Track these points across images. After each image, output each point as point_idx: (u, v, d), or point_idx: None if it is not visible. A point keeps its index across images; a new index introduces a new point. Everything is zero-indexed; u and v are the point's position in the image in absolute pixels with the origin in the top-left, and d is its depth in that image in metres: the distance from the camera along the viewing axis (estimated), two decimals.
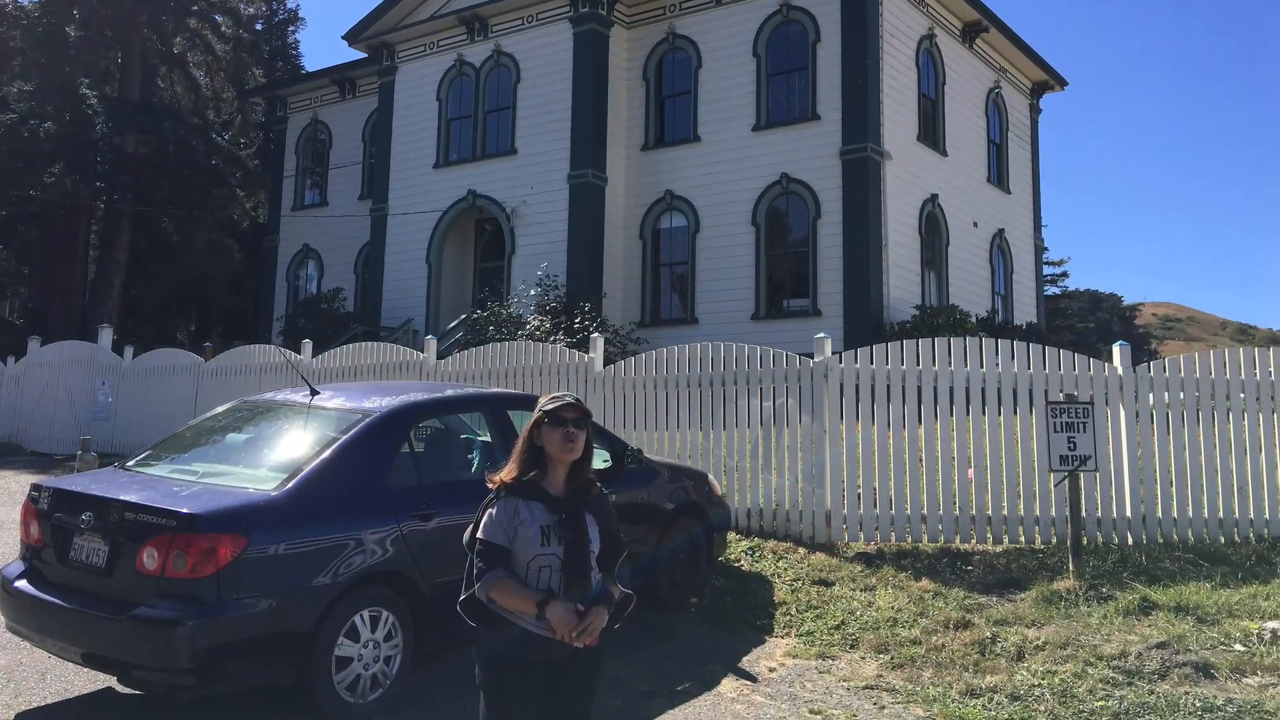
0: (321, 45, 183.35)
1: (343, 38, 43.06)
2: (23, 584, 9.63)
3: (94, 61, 50.45)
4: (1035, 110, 46.63)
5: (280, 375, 24.38)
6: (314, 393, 11.26)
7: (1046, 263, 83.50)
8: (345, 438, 10.09)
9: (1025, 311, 43.60)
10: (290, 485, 9.46)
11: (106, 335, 32.36)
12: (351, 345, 24.40)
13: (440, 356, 22.35)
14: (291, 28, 75.00)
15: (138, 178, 49.73)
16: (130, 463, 10.81)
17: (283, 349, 26.78)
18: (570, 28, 37.56)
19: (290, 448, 10.30)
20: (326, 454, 9.86)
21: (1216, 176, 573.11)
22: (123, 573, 8.97)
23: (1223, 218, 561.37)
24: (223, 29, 58.48)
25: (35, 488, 10.11)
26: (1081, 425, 14.03)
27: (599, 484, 6.43)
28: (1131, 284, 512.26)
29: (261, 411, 11.47)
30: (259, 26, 68.71)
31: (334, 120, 48.52)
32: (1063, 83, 47.01)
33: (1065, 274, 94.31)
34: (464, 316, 36.54)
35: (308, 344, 25.42)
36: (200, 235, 50.92)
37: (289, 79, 59.47)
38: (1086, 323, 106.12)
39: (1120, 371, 15.79)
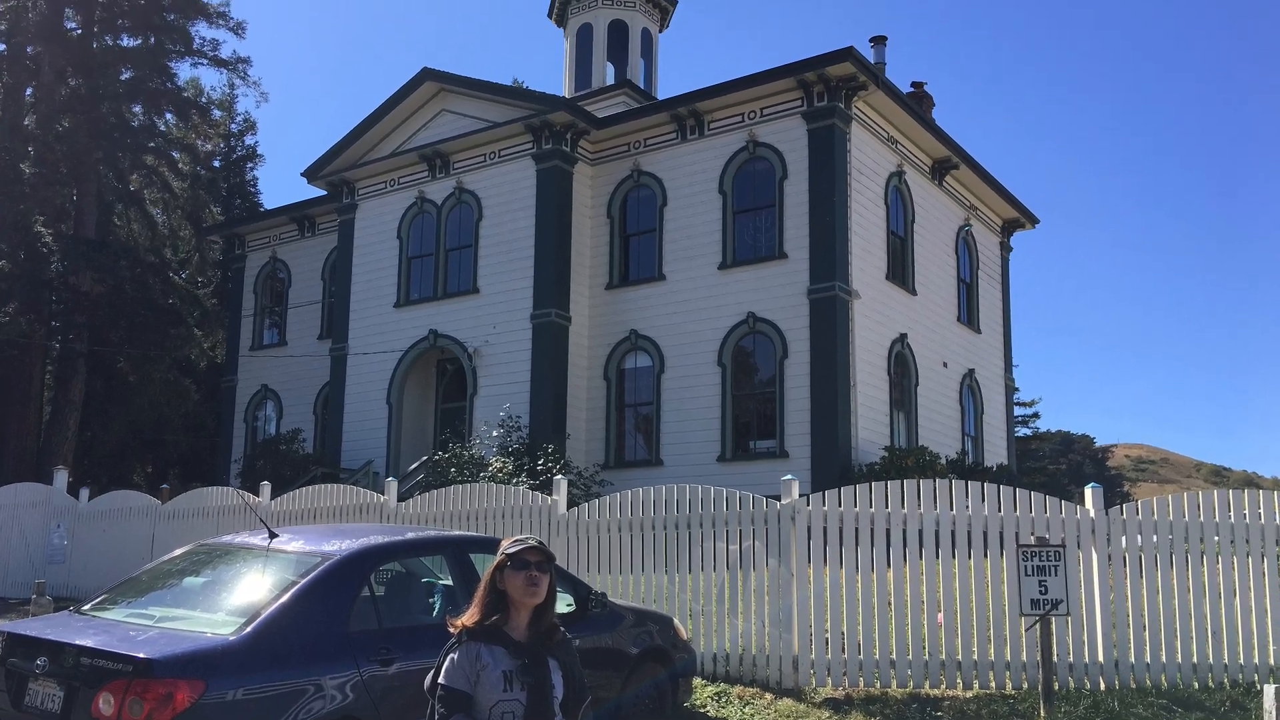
0: (280, 182, 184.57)
1: (302, 174, 43.07)
2: None
3: (49, 199, 50.48)
4: (1006, 248, 46.87)
5: (238, 517, 24.26)
6: (272, 535, 11.10)
7: (1018, 403, 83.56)
8: (304, 581, 9.96)
9: (996, 453, 43.63)
10: (249, 630, 9.30)
11: (61, 477, 31.99)
12: (311, 487, 24.28)
13: (401, 499, 22.24)
14: (250, 165, 75.25)
15: (93, 317, 49.68)
16: (86, 607, 10.67)
17: (241, 491, 26.63)
18: (533, 165, 37.67)
19: (248, 591, 10.18)
20: (285, 598, 9.72)
21: (1190, 317, 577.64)
22: (78, 719, 8.77)
23: (1196, 359, 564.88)
24: (180, 166, 58.81)
25: None
26: (1053, 569, 14.05)
27: (562, 628, 6.40)
28: (1104, 425, 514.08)
29: (219, 554, 11.33)
30: (217, 163, 69.12)
31: (293, 258, 48.52)
32: (1034, 220, 47.26)
33: (1036, 415, 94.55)
34: (425, 458, 36.38)
35: (266, 486, 25.26)
36: (157, 376, 50.58)
37: (247, 216, 59.42)
38: (1058, 464, 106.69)
39: (1092, 514, 15.77)
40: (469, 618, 6.21)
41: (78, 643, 9.10)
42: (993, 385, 44.16)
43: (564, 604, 11.46)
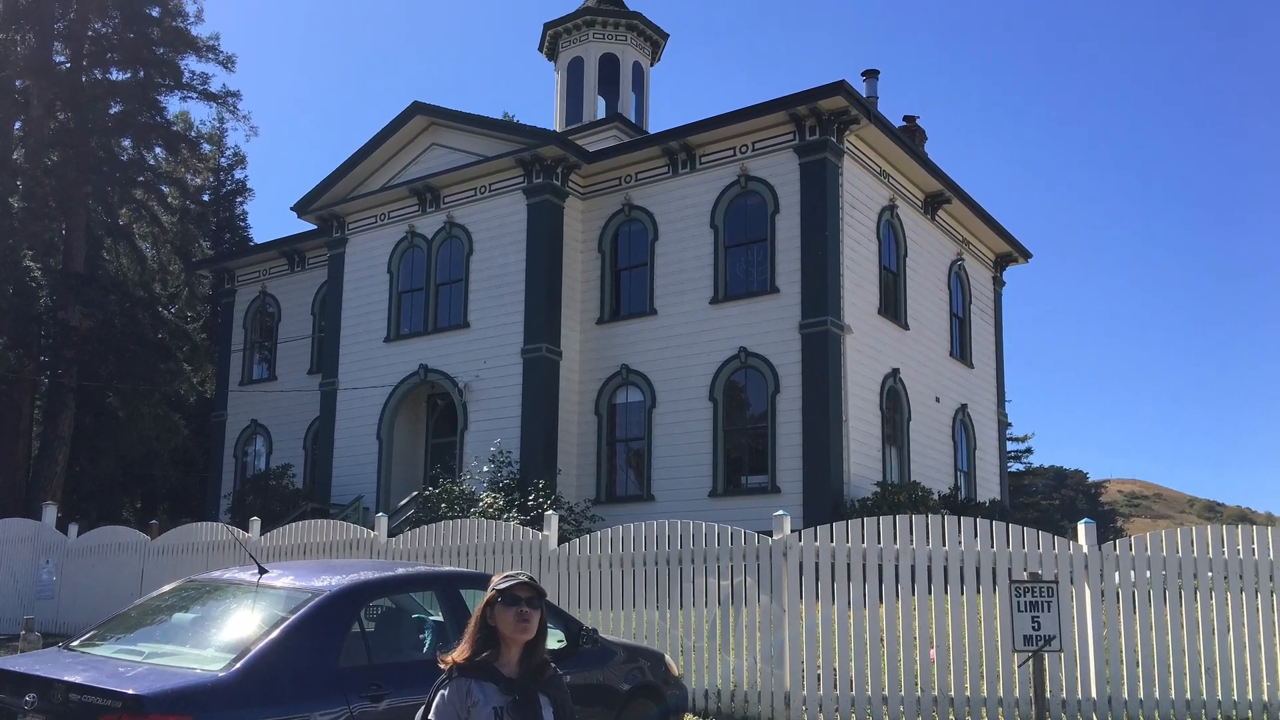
0: (270, 216, 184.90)
1: (292, 209, 43.01)
2: None
3: (38, 233, 50.52)
4: (999, 283, 47.01)
5: (227, 553, 24.25)
6: (262, 571, 11.07)
7: (1010, 439, 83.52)
8: (294, 617, 9.93)
9: (989, 488, 43.66)
10: (239, 665, 9.26)
11: (50, 512, 32.02)
12: (301, 523, 24.35)
13: (392, 534, 22.38)
14: (239, 199, 75.74)
15: (82, 351, 49.73)
16: (75, 643, 10.62)
17: (230, 527, 26.73)
18: (524, 199, 37.80)
19: (238, 627, 10.13)
20: (275, 633, 9.68)
21: (1184, 352, 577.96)
22: None
23: (1190, 394, 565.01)
24: (169, 200, 59.08)
25: None
26: (1046, 605, 13.87)
27: (554, 664, 6.44)
28: (1097, 460, 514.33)
29: (209, 590, 11.29)
30: (206, 197, 69.36)
31: (283, 293, 48.55)
32: (1026, 255, 47.42)
33: (1029, 450, 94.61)
34: (416, 493, 36.48)
35: (255, 521, 25.30)
36: (146, 410, 50.62)
37: (237, 251, 59.85)
38: (1051, 500, 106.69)
39: (1085, 550, 15.88)
40: (460, 654, 6.20)
41: (67, 679, 9.04)
42: (985, 420, 44.25)
43: (555, 640, 11.38)
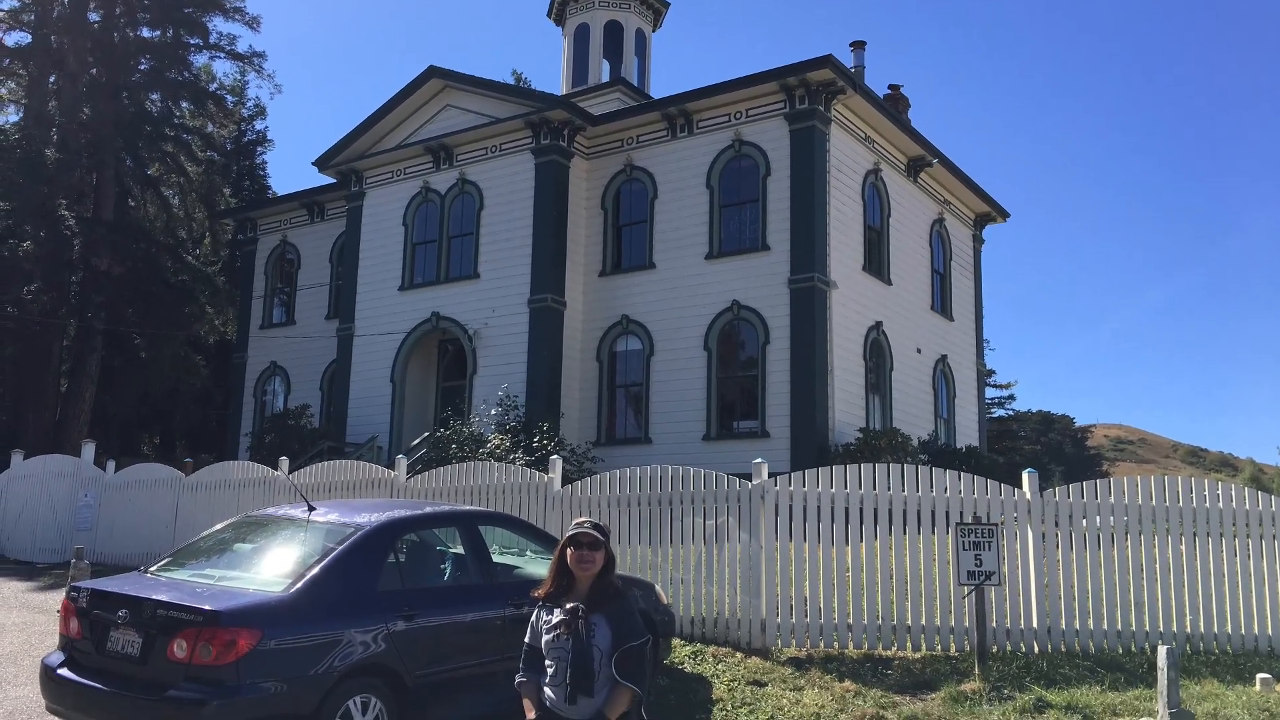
0: (287, 167, 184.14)
1: (313, 164, 43.50)
2: (65, 671, 10.90)
3: (70, 183, 51.20)
4: (978, 240, 47.75)
5: (258, 490, 25.29)
6: (311, 508, 12.62)
7: (993, 385, 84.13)
8: (341, 548, 11.42)
9: (968, 434, 44.54)
10: (296, 588, 10.78)
11: (89, 450, 32.90)
12: (328, 463, 25.22)
13: (409, 474, 23.39)
14: (260, 149, 75.98)
15: (110, 296, 50.53)
16: (153, 568, 12.07)
17: (263, 466, 27.26)
18: (532, 158, 38.75)
19: (293, 556, 11.62)
20: (325, 561, 11.18)
21: (1169, 302, 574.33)
22: (155, 661, 10.22)
23: (1175, 344, 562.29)
24: (195, 151, 59.54)
25: (74, 589, 11.37)
26: (987, 544, 15.31)
27: (619, 590, 7.49)
28: (1084, 407, 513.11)
29: (265, 524, 12.80)
30: (228, 147, 69.50)
31: (302, 242, 49.31)
32: (1004, 214, 48.22)
33: (1012, 397, 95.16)
34: (427, 434, 37.14)
35: (284, 461, 26.10)
36: (169, 352, 51.37)
37: (260, 202, 60.10)
38: (1035, 445, 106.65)
39: (1029, 496, 17.06)
40: (543, 589, 7.52)
41: (154, 597, 10.53)
42: (965, 370, 45.31)
43: None
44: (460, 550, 13.26)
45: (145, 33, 56.57)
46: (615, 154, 39.36)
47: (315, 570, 11.11)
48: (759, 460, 18.10)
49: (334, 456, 33.62)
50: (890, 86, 43.30)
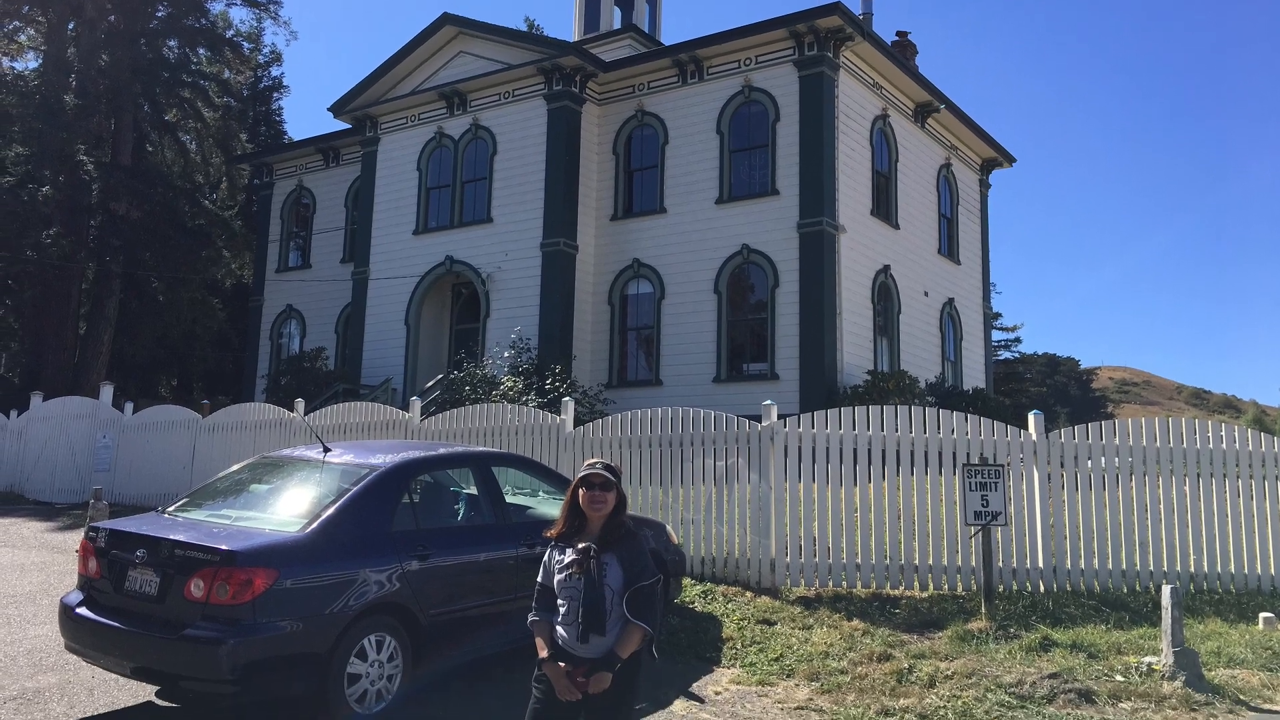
0: (304, 112, 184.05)
1: (328, 109, 43.86)
2: (83, 610, 11.05)
3: (89, 129, 51.30)
4: (985, 185, 47.79)
5: (274, 431, 25.61)
6: (326, 450, 12.80)
7: (1000, 328, 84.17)
8: (356, 489, 11.59)
9: (974, 376, 44.71)
10: (311, 528, 10.95)
11: (108, 391, 33.26)
12: (343, 404, 25.35)
13: (424, 416, 23.57)
14: (276, 95, 75.66)
15: (128, 239, 50.62)
16: (171, 508, 12.23)
17: (279, 408, 27.52)
18: (545, 104, 38.86)
19: (309, 496, 11.79)
20: (341, 502, 11.35)
21: (1174, 245, 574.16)
22: (173, 600, 10.36)
23: (1180, 286, 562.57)
24: (212, 97, 59.62)
25: (92, 529, 11.49)
26: (994, 485, 15.52)
27: (630, 529, 7.51)
28: (1090, 349, 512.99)
29: (281, 465, 12.96)
30: (245, 92, 69.34)
31: (318, 186, 49.44)
32: (1010, 159, 48.29)
33: (1018, 339, 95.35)
34: (441, 376, 37.35)
35: (300, 403, 26.53)
36: (186, 295, 51.66)
37: (276, 147, 60.10)
38: (1041, 386, 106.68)
39: (1034, 438, 17.23)
40: (555, 529, 7.56)
41: (172, 537, 10.68)
42: (971, 313, 45.45)
43: None
44: (474, 491, 13.36)
45: None
46: (626, 100, 39.45)
47: (331, 510, 11.27)
48: (768, 402, 18.20)
49: (349, 399, 33.69)
50: (898, 33, 43.46)
